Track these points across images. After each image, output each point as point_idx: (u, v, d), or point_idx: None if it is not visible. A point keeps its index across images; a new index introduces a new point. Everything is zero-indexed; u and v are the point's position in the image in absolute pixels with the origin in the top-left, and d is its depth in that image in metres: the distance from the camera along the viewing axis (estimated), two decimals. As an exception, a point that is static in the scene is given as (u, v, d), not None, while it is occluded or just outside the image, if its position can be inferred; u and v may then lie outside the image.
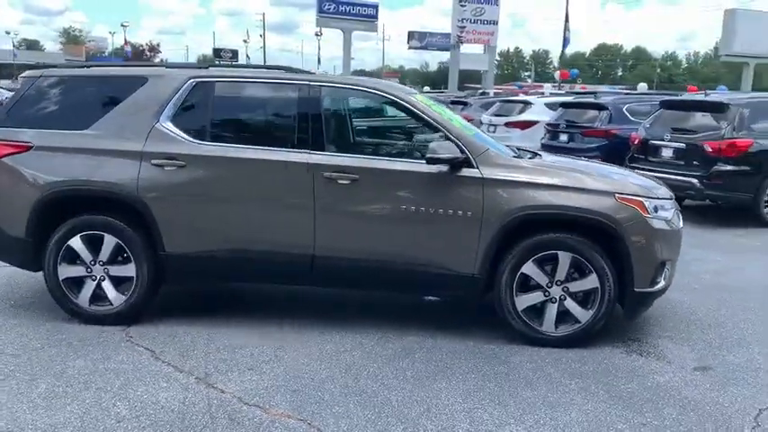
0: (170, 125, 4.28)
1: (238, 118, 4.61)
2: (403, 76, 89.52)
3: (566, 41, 31.30)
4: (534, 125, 12.58)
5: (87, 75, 4.62)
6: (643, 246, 4.11)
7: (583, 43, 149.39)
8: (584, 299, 4.18)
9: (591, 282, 4.12)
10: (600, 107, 11.01)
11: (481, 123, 13.17)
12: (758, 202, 8.39)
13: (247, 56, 69.56)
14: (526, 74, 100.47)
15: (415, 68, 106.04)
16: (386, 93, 4.42)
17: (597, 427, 3.26)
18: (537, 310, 4.21)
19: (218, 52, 62.24)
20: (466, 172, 4.12)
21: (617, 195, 4.13)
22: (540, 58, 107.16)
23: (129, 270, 4.31)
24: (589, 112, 11.13)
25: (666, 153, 8.86)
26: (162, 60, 47.39)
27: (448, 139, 4.16)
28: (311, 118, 4.26)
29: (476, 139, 4.32)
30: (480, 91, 28.68)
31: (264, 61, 58.17)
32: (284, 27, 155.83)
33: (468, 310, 4.74)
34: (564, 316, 4.19)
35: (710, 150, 8.28)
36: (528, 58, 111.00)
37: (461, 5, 35.43)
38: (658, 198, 4.27)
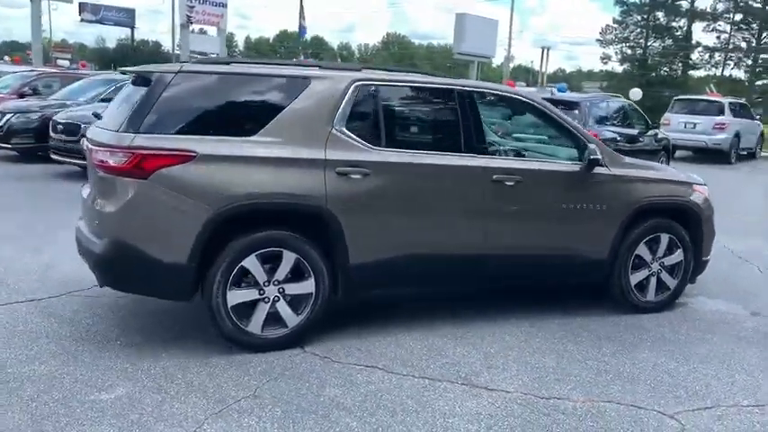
0: (346, 131, 4.08)
1: (406, 122, 4.56)
2: (76, 52, 78.53)
3: (302, 30, 32.21)
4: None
5: (236, 73, 4.06)
6: (709, 224, 5.22)
7: (268, 29, 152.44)
8: (671, 270, 5.14)
9: (677, 256, 5.10)
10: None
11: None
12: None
13: None
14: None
15: (84, 44, 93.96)
16: (526, 99, 4.80)
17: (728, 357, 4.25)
18: (641, 285, 5.05)
19: None
20: (598, 170, 4.76)
21: (693, 185, 5.18)
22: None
23: (307, 287, 4.02)
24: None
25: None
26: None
27: (588, 142, 4.74)
28: (473, 122, 4.45)
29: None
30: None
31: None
32: None
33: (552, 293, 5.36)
34: (659, 285, 5.10)
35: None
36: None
37: (189, -17, 33.87)
38: (707, 186, 5.43)
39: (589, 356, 4.20)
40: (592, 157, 4.60)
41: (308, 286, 4.02)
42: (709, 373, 4.03)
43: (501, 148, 4.96)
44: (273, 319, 3.99)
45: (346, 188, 4.02)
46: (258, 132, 3.90)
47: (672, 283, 5.13)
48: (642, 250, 4.98)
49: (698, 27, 61.07)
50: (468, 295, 5.15)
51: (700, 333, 4.73)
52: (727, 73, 60.43)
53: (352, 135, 4.09)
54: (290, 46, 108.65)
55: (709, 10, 59.41)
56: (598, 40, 64.07)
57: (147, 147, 3.66)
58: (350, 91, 4.13)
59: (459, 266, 4.48)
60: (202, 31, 36.63)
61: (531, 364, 4.04)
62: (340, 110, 4.08)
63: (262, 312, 3.95)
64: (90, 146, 3.98)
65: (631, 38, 63.30)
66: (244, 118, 3.96)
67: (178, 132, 3.76)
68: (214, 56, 34.74)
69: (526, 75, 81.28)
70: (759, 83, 57.86)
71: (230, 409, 3.32)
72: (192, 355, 3.91)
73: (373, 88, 4.25)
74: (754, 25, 58.44)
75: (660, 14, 61.35)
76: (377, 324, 4.47)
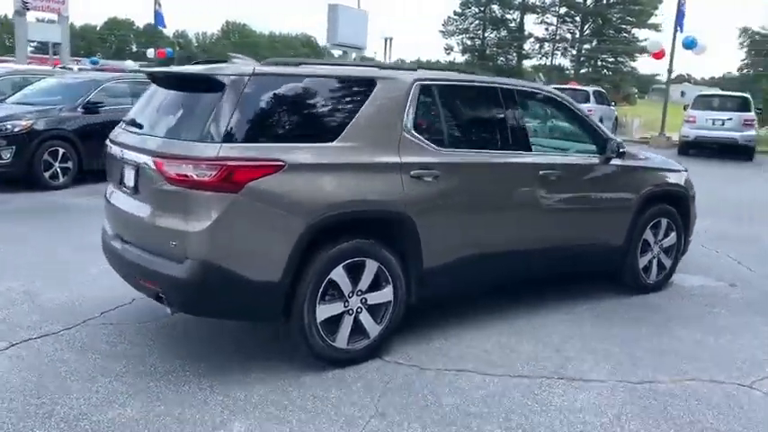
0: (414, 132, 3.99)
1: (463, 122, 4.51)
2: None
3: (158, 17, 30.33)
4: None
5: (311, 75, 3.78)
6: (693, 206, 5.73)
7: (94, 16, 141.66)
8: (667, 251, 5.57)
9: (672, 239, 5.54)
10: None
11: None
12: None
13: None
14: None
15: None
16: (556, 96, 4.95)
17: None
18: (646, 268, 5.44)
19: None
20: (617, 162, 5.05)
21: (681, 171, 5.65)
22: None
23: (386, 295, 3.90)
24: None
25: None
26: None
27: (609, 135, 5.00)
28: (518, 120, 4.54)
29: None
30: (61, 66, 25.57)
31: None
32: None
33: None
34: (659, 266, 5.52)
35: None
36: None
37: (20, -34, 30.63)
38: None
39: (637, 339, 4.46)
40: (621, 149, 4.87)
41: (386, 294, 3.89)
42: (745, 343, 4.45)
43: (539, 144, 5.08)
44: (357, 330, 3.83)
45: (420, 191, 3.94)
46: (338, 138, 3.70)
47: (668, 263, 5.58)
48: (648, 235, 5.35)
49: (529, 19, 65.57)
50: (500, 287, 5.21)
51: (706, 307, 5.19)
52: (556, 62, 65.50)
53: (420, 137, 4.00)
54: (121, 34, 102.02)
55: (538, 3, 63.96)
56: (441, 31, 66.72)
57: (237, 158, 3.34)
58: (413, 91, 4.04)
59: (514, 261, 4.56)
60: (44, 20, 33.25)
61: (598, 351, 4.21)
62: (406, 111, 3.97)
63: (347, 325, 3.78)
64: (148, 157, 3.54)
65: (471, 29, 66.61)
66: (322, 123, 3.73)
67: (260, 141, 3.46)
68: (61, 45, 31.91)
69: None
70: (582, 71, 63.36)
71: (368, 430, 3.16)
72: (279, 377, 3.65)
73: (432, 88, 4.19)
74: (577, 18, 63.85)
75: (496, 7, 65.05)
76: (428, 325, 4.43)
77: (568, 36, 65.46)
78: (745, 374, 3.96)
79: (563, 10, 63.48)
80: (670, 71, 21.23)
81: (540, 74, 55.28)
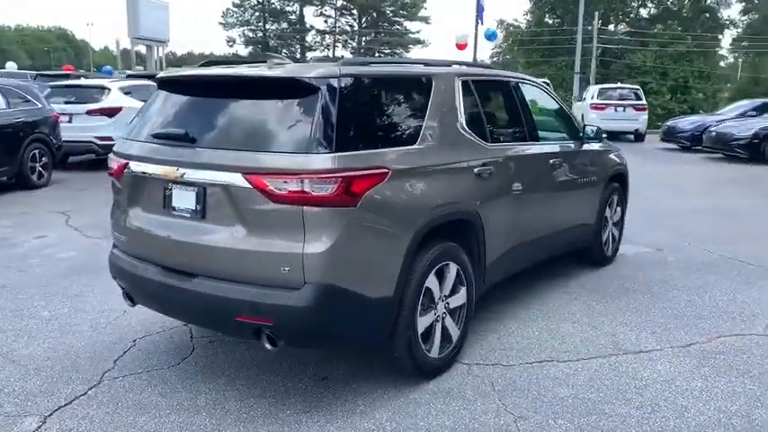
0: (468, 129, 3.93)
1: (495, 116, 4.48)
2: None
3: None
4: (120, 111, 11.67)
5: (387, 75, 3.50)
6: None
7: None
8: (616, 225, 6.11)
9: (619, 213, 6.11)
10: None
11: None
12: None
13: None
14: None
15: None
16: (542, 86, 5.13)
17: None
18: (606, 242, 5.92)
19: None
20: (590, 146, 5.44)
21: (620, 152, 6.21)
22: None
23: (462, 297, 3.82)
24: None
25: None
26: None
27: (581, 122, 5.35)
28: (529, 111, 4.70)
29: (577, 122, 5.62)
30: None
31: None
32: None
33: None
34: (612, 239, 6.04)
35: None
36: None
37: None
38: None
39: (644, 307, 4.87)
40: (603, 135, 5.24)
41: (462, 296, 3.81)
42: (726, 299, 5.08)
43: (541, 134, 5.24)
44: (445, 338, 3.71)
45: (483, 188, 3.92)
46: (418, 140, 3.52)
47: (617, 235, 6.13)
48: (608, 212, 5.84)
49: (309, 11, 66.19)
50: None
51: (661, 271, 5.81)
52: (338, 54, 67.10)
53: (472, 133, 3.96)
54: None
55: (315, -5, 64.75)
56: (221, 23, 64.81)
57: (352, 167, 3.03)
58: (458, 87, 3.97)
59: (538, 246, 4.74)
60: None
61: (628, 324, 4.52)
62: (459, 108, 3.91)
63: (438, 333, 3.64)
64: (233, 174, 3.06)
65: (251, 21, 65.58)
66: (403, 125, 3.52)
67: (361, 148, 3.17)
68: None
69: (137, 59, 77.92)
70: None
71: (526, 436, 3.09)
72: (389, 400, 3.40)
73: (470, 83, 4.13)
74: (354, 11, 65.91)
75: (274, -2, 64.64)
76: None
77: (348, 28, 67.34)
78: (756, 324, 4.52)
79: (340, 2, 65.06)
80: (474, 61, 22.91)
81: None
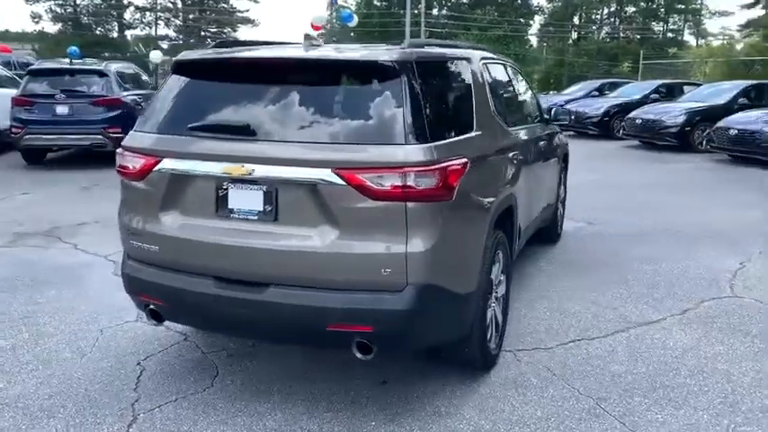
0: (496, 113, 3.86)
1: (507, 100, 4.37)
2: None
3: None
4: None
5: (441, 58, 3.30)
6: None
7: None
8: (562, 202, 6.39)
9: (563, 191, 6.39)
10: (100, 73, 10.32)
11: None
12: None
13: None
14: None
15: None
16: (518, 68, 5.15)
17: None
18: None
19: None
20: (553, 127, 5.61)
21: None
22: None
23: (504, 285, 3.77)
24: (90, 79, 10.25)
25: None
26: None
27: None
28: (523, 94, 4.73)
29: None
30: None
31: None
32: None
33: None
34: (561, 217, 6.33)
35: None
36: None
37: None
38: None
39: (621, 279, 5.14)
40: (562, 116, 5.43)
41: (504, 284, 3.77)
42: (683, 266, 5.51)
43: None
44: (497, 328, 3.65)
45: (515, 174, 3.89)
46: (474, 126, 3.39)
47: (563, 212, 6.42)
48: (561, 190, 6.08)
49: (127, -14, 61.51)
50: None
51: (609, 243, 6.19)
52: (161, 32, 63.35)
53: (499, 117, 3.90)
54: None
55: (136, -29, 60.51)
56: (25, -2, 58.32)
57: (447, 158, 2.84)
58: (485, 70, 3.90)
59: (531, 229, 4.80)
60: None
61: (620, 297, 4.75)
62: (488, 92, 3.83)
63: (493, 323, 3.57)
64: (320, 170, 2.73)
65: (60, -5, 59.72)
66: (462, 110, 3.36)
67: (445, 136, 2.99)
68: None
69: None
70: (192, 41, 62.60)
71: (616, 415, 3.13)
72: (461, 399, 3.29)
73: (489, 66, 4.06)
74: (178, -14, 62.33)
75: (81, -27, 59.42)
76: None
77: (170, 5, 63.69)
78: (721, 288, 4.96)
79: (161, -22, 61.35)
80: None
81: (140, 44, 52.86)
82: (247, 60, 3.20)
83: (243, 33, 65.57)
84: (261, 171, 2.81)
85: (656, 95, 16.60)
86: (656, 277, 5.20)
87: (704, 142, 13.18)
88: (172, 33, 64.88)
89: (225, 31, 65.78)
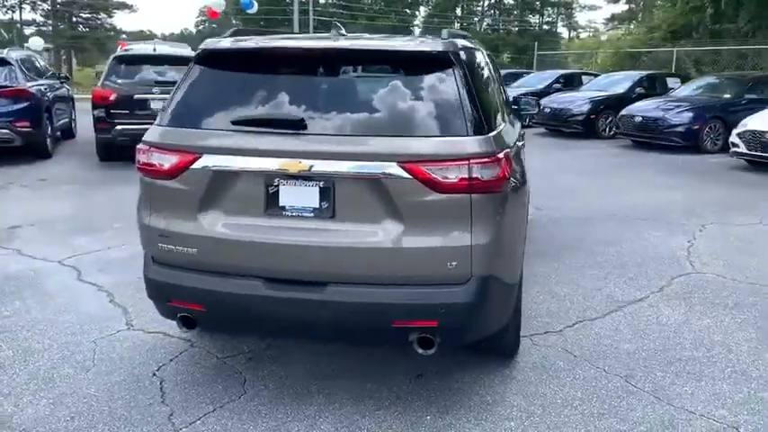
0: (502, 104, 3.93)
1: (501, 90, 4.36)
2: None
3: None
4: None
5: (472, 48, 3.29)
6: None
7: None
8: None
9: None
10: (2, 62, 9.40)
11: None
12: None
13: None
14: None
15: None
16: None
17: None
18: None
19: None
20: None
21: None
22: None
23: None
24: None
25: (157, 105, 9.41)
26: None
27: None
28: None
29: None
30: None
31: None
32: None
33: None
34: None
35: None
36: None
37: None
38: None
39: (592, 261, 5.39)
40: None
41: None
42: (644, 245, 5.85)
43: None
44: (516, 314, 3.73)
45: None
46: (501, 114, 3.44)
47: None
48: (522, 178, 6.27)
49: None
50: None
51: (566, 227, 6.47)
52: (27, 17, 58.98)
53: (505, 108, 3.97)
54: None
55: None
56: None
57: (502, 149, 2.87)
58: (489, 61, 3.94)
59: None
60: None
61: (599, 278, 4.98)
62: (500, 82, 3.90)
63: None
64: (383, 164, 2.66)
65: None
66: (491, 100, 3.37)
67: (494, 127, 3.01)
68: None
69: None
70: (62, 26, 58.70)
71: (649, 389, 3.29)
72: (498, 380, 3.34)
73: (484, 55, 4.09)
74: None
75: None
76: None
77: (41, -11, 59.26)
78: (684, 264, 5.32)
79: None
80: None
81: (2, 29, 49.02)
82: (292, 50, 3.04)
83: (120, 20, 62.21)
84: (320, 166, 2.70)
85: (558, 85, 17.42)
86: (622, 258, 5.49)
87: (608, 129, 14.01)
88: (39, 18, 60.44)
89: (99, 17, 62.02)
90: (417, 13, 66.57)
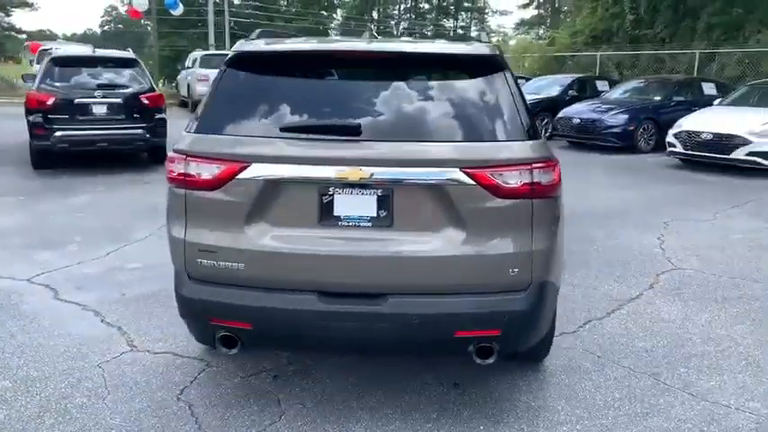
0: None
1: None
2: None
3: None
4: None
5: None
6: None
7: None
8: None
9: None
10: None
11: None
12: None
13: None
14: None
15: None
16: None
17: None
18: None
19: None
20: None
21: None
22: None
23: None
24: None
25: (100, 110, 8.91)
26: None
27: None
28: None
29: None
30: None
31: None
32: None
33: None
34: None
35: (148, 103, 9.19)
36: None
37: None
38: None
39: (579, 261, 5.47)
40: None
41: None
42: (622, 242, 6.02)
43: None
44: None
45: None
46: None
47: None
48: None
49: None
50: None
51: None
52: None
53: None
54: None
55: None
56: None
57: (552, 153, 2.86)
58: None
59: None
60: None
61: (591, 277, 5.07)
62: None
63: (542, 314, 3.66)
64: (445, 170, 2.59)
65: None
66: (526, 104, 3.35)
67: (538, 131, 2.99)
68: None
69: None
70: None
71: (679, 386, 3.36)
72: (536, 385, 3.33)
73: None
74: None
75: None
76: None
77: None
78: (664, 262, 5.50)
79: None
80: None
81: None
82: (339, 53, 2.91)
83: (19, 19, 58.80)
84: (380, 174, 2.60)
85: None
86: (605, 256, 5.63)
87: (544, 131, 14.40)
88: None
89: (-5, 15, 58.38)
90: (335, 15, 66.48)
